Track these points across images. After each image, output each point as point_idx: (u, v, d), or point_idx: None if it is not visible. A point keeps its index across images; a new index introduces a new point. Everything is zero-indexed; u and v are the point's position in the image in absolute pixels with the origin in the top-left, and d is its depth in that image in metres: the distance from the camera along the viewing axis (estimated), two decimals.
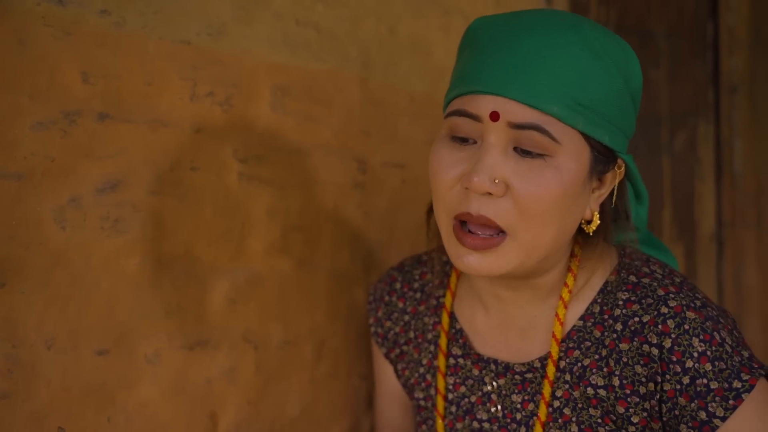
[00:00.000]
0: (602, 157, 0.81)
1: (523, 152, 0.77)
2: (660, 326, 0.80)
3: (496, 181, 0.76)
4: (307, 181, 1.17)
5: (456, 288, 0.97)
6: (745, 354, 0.80)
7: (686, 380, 0.79)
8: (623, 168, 0.85)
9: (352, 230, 1.24)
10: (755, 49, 2.49)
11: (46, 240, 0.88)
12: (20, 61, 0.86)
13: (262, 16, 1.11)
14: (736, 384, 0.78)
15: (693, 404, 0.79)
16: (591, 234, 0.85)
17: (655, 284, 0.84)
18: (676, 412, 0.80)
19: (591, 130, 0.77)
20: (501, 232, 0.78)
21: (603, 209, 0.87)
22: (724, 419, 0.77)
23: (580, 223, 0.85)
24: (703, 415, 0.78)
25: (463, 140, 0.81)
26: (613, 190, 0.85)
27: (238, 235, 1.08)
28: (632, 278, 0.86)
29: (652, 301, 0.83)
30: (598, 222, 0.84)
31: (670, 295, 0.82)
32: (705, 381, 0.78)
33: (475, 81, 0.78)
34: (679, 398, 0.79)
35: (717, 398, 0.78)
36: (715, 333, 0.79)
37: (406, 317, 1.03)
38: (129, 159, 0.96)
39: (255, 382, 1.10)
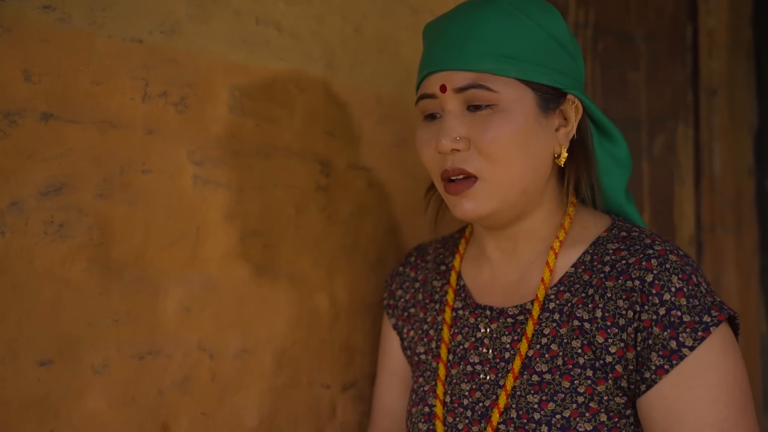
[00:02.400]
0: (548, 95, 0.92)
1: (474, 108, 0.90)
2: (644, 263, 0.87)
3: (458, 138, 0.90)
4: (267, 185, 1.13)
5: (464, 252, 1.08)
6: (717, 298, 0.87)
7: (662, 311, 0.84)
8: (578, 103, 0.95)
9: (315, 235, 1.20)
10: (734, 52, 2.48)
11: None
12: None
13: (220, 14, 1.08)
14: (706, 318, 0.84)
15: (665, 333, 0.84)
16: (562, 164, 0.95)
17: (644, 236, 0.92)
18: (650, 342, 0.85)
19: (524, 75, 0.89)
20: (474, 178, 0.91)
21: (580, 165, 0.97)
22: (692, 349, 0.83)
23: (556, 161, 0.95)
24: (673, 344, 0.84)
25: (432, 116, 0.95)
26: (580, 129, 0.96)
27: (192, 240, 1.04)
28: (623, 234, 0.95)
29: (639, 247, 0.90)
30: (566, 155, 0.94)
31: (656, 242, 0.90)
32: (679, 313, 0.84)
33: (426, 66, 0.95)
34: (654, 327, 0.85)
35: (687, 329, 0.84)
36: (692, 275, 0.86)
37: (417, 284, 1.13)
38: (75, 161, 0.92)
39: (210, 392, 1.06)
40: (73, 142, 0.92)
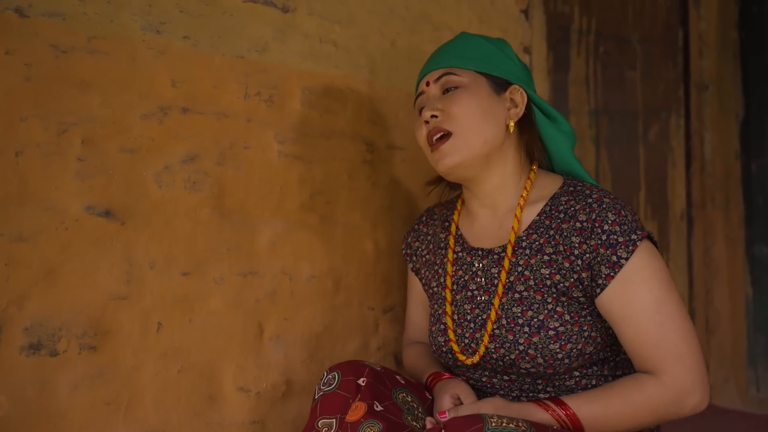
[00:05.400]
0: (497, 82, 1.30)
1: (447, 90, 1.29)
2: (587, 208, 1.20)
3: (436, 108, 1.27)
4: (328, 158, 1.56)
5: (461, 209, 1.43)
6: (639, 222, 1.19)
7: (604, 237, 1.17)
8: (522, 92, 1.30)
9: (362, 196, 1.63)
10: (723, 52, 2.82)
11: (149, 194, 1.29)
12: (131, 72, 1.27)
13: (294, 37, 1.51)
14: (633, 236, 1.16)
15: (608, 251, 1.16)
16: (511, 131, 1.30)
17: (585, 188, 1.25)
18: (599, 259, 1.17)
19: (479, 68, 1.29)
20: (448, 133, 1.26)
21: (529, 136, 1.32)
22: (627, 259, 1.15)
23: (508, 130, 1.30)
24: (614, 258, 1.16)
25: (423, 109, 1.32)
26: (526, 111, 1.31)
27: (277, 196, 1.47)
28: (571, 189, 1.27)
29: (582, 197, 1.23)
30: (513, 125, 1.29)
31: (594, 191, 1.23)
32: (615, 237, 1.16)
33: (420, 76, 1.36)
34: (600, 249, 1.17)
35: (622, 246, 1.16)
36: (622, 211, 1.18)
37: (429, 237, 1.48)
38: (202, 140, 1.36)
39: (290, 304, 1.49)
40: (200, 127, 1.36)
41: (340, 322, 1.58)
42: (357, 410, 1.15)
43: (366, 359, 1.62)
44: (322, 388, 1.21)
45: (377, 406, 1.16)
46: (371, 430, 1.11)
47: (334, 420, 1.16)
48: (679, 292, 2.66)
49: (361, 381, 1.19)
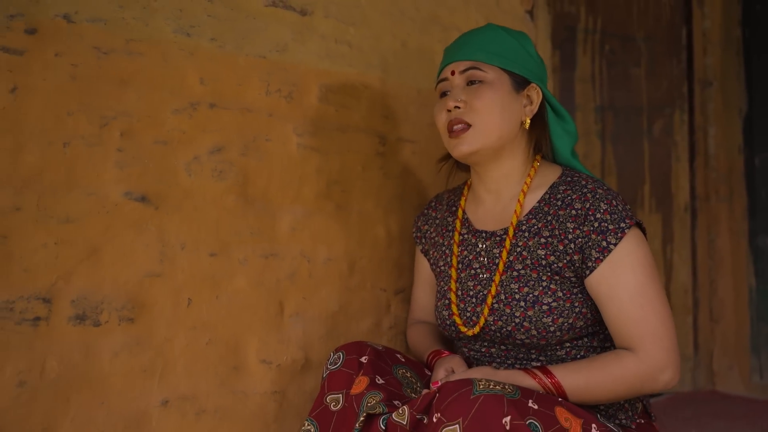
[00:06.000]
0: (518, 80, 1.39)
1: (471, 83, 1.37)
2: (582, 198, 1.31)
3: (460, 99, 1.36)
4: (344, 150, 1.68)
5: (467, 195, 1.54)
6: (629, 212, 1.29)
7: (596, 224, 1.28)
8: (539, 90, 1.40)
9: (375, 186, 1.75)
10: (727, 49, 2.91)
11: (180, 182, 1.42)
12: (165, 72, 1.40)
13: (311, 38, 1.63)
14: (622, 225, 1.27)
15: (599, 237, 1.27)
16: (527, 127, 1.41)
17: (582, 180, 1.35)
18: (590, 244, 1.28)
19: (503, 65, 1.38)
20: (468, 125, 1.36)
21: (540, 132, 1.43)
22: (615, 244, 1.26)
23: (523, 126, 1.40)
24: (603, 243, 1.27)
25: (444, 94, 1.42)
26: (540, 107, 1.41)
27: (296, 185, 1.60)
28: (568, 179, 1.38)
29: (578, 186, 1.34)
30: (529, 121, 1.40)
31: (589, 182, 1.34)
32: (606, 224, 1.27)
33: (442, 63, 1.44)
34: (592, 235, 1.28)
35: (611, 233, 1.26)
36: (613, 201, 1.29)
37: (437, 221, 1.59)
38: (228, 133, 1.49)
39: (308, 284, 1.61)
40: (226, 121, 1.49)
41: (355, 302, 1.70)
42: (360, 383, 1.27)
43: (378, 337, 1.74)
44: (329, 367, 1.34)
45: (378, 380, 1.28)
46: (373, 399, 1.23)
47: (341, 395, 1.29)
48: (683, 282, 2.78)
49: (363, 359, 1.32)
